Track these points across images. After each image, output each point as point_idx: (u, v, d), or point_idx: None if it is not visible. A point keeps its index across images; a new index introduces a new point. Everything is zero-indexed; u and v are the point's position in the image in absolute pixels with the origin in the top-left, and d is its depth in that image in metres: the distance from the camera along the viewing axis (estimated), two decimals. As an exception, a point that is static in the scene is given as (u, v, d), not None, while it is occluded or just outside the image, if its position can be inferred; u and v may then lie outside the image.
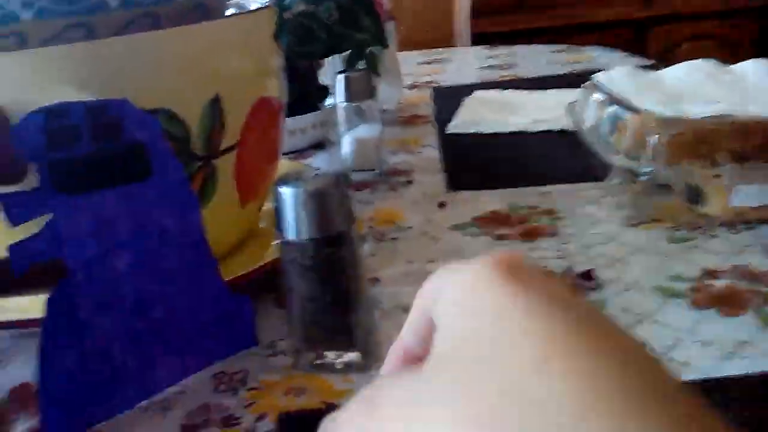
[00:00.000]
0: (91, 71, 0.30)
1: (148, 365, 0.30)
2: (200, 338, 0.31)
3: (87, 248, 0.28)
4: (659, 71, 0.52)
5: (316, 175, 0.29)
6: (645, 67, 0.57)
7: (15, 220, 0.26)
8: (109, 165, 0.29)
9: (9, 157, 0.29)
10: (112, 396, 0.29)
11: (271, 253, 0.39)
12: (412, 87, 0.93)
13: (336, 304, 0.29)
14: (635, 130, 0.42)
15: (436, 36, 1.60)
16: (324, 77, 0.69)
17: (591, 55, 1.02)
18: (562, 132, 0.62)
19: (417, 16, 1.55)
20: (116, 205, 0.29)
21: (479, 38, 1.69)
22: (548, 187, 0.50)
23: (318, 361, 0.30)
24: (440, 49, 1.28)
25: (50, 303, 0.27)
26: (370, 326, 0.31)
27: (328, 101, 0.68)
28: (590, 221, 0.44)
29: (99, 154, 0.28)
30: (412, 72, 1.02)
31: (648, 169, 0.42)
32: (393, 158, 0.61)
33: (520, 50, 1.14)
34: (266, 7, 0.38)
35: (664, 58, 2.05)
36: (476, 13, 1.64)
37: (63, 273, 0.27)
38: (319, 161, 0.63)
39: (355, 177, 0.56)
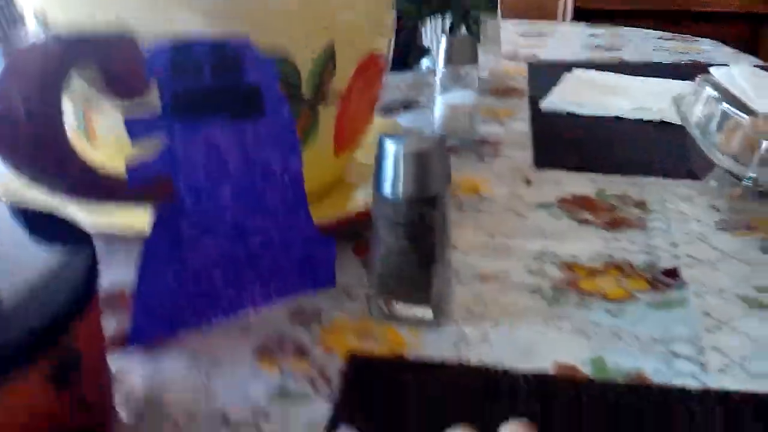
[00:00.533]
0: (218, 3, 0.31)
1: (237, 288, 0.32)
2: (286, 271, 0.33)
3: (197, 174, 0.30)
4: (781, 74, 0.49)
5: (419, 135, 0.29)
6: (764, 68, 0.54)
7: (135, 138, 0.28)
8: (226, 101, 0.30)
9: (134, 73, 0.31)
10: (200, 310, 0.31)
11: (355, 205, 0.40)
12: (510, 58, 0.91)
13: (420, 262, 0.30)
14: (746, 133, 0.40)
15: (538, 6, 1.55)
16: (424, 38, 0.69)
17: (701, 48, 0.97)
18: (663, 123, 0.60)
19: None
20: (227, 140, 0.31)
21: (582, 14, 1.63)
22: (641, 178, 0.49)
23: (391, 311, 0.31)
24: (542, 22, 1.24)
25: (157, 220, 0.29)
26: (445, 288, 0.31)
27: (424, 63, 0.68)
28: (682, 219, 0.43)
29: (217, 90, 0.30)
30: (511, 42, 1.00)
31: (752, 175, 0.40)
32: (483, 128, 0.61)
33: (626, 32, 1.09)
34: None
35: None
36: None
37: (172, 194, 0.29)
38: (405, 121, 0.64)
39: (444, 141, 0.57)
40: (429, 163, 0.29)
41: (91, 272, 0.22)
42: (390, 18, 0.40)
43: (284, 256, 0.33)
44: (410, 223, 0.29)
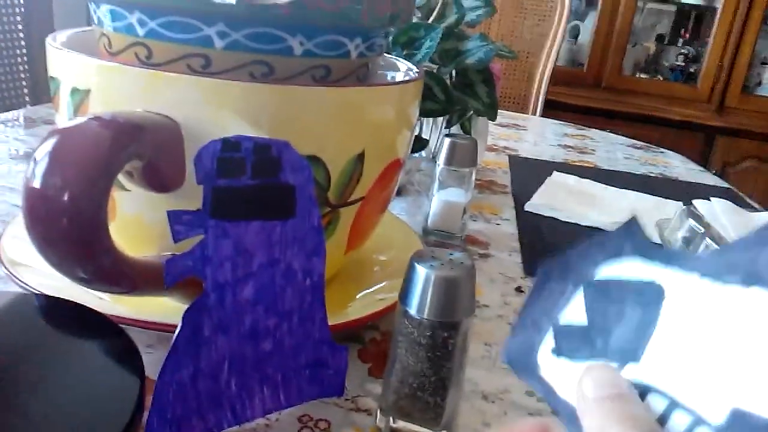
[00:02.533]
0: (263, 109, 0.32)
1: (247, 392, 0.31)
2: (297, 376, 0.33)
3: (224, 272, 0.30)
4: (757, 214, 0.53)
5: (450, 258, 0.30)
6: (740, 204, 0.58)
7: (177, 236, 0.28)
8: (262, 200, 0.30)
9: (175, 166, 0.31)
10: (211, 415, 0.30)
11: (358, 307, 0.40)
12: (490, 150, 0.94)
13: (436, 386, 0.30)
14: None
15: (513, 96, 1.62)
16: (422, 130, 0.71)
17: (668, 161, 1.03)
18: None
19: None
20: (256, 238, 0.31)
21: (551, 104, 1.71)
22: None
23: (399, 428, 0.31)
24: (516, 114, 1.30)
25: (186, 317, 0.29)
26: (456, 410, 0.32)
27: (418, 154, 0.70)
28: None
29: (255, 188, 0.30)
30: (490, 132, 1.04)
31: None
32: (471, 225, 0.62)
33: (595, 134, 1.16)
34: (418, 78, 0.40)
35: (724, 173, 2.05)
36: (553, 80, 1.66)
37: (199, 290, 0.29)
38: (397, 208, 0.65)
39: (435, 237, 0.58)
40: (457, 289, 0.30)
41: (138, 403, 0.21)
42: (414, 124, 0.42)
43: (295, 361, 0.33)
44: (432, 345, 0.30)
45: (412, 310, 0.30)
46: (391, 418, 0.32)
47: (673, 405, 0.16)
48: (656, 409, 0.16)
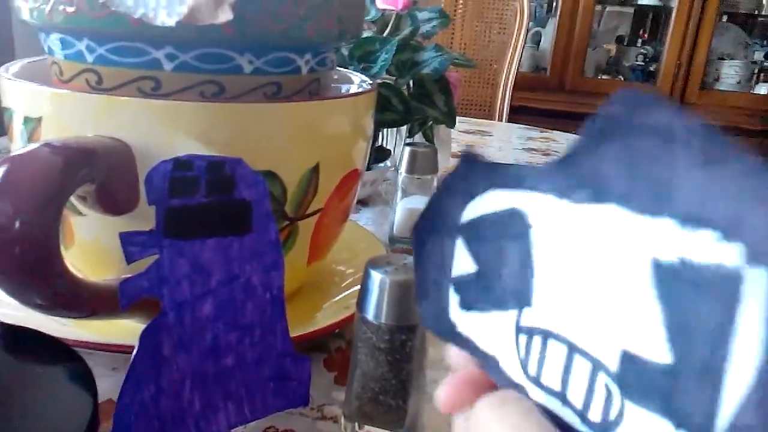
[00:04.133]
0: (216, 128, 0.33)
1: (211, 408, 0.31)
2: (260, 390, 0.33)
3: (182, 291, 0.30)
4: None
5: (405, 262, 0.31)
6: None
7: (130, 258, 0.28)
8: (217, 217, 0.31)
9: (128, 188, 0.32)
10: (175, 433, 0.30)
11: (323, 317, 0.41)
12: (455, 156, 0.96)
13: (397, 389, 0.31)
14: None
15: (479, 103, 1.64)
16: (381, 139, 0.72)
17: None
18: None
19: (463, 84, 1.60)
20: (213, 254, 0.31)
21: (517, 110, 1.74)
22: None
23: (365, 435, 0.32)
24: (482, 121, 1.32)
25: (143, 337, 0.29)
26: (419, 411, 0.32)
27: (381, 164, 0.71)
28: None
29: (210, 206, 0.31)
30: (455, 138, 1.05)
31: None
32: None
33: (560, 137, 1.18)
34: (370, 89, 0.41)
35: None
36: (517, 86, 1.69)
37: (157, 310, 0.29)
38: (364, 219, 0.66)
39: (401, 245, 0.59)
40: (412, 293, 0.30)
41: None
42: (370, 134, 0.43)
43: (258, 374, 0.33)
44: (391, 349, 0.31)
45: (370, 316, 0.30)
46: (356, 424, 0.32)
47: (572, 350, 0.15)
48: (558, 359, 0.15)
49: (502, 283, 0.17)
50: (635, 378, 0.13)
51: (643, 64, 2.33)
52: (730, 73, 2.25)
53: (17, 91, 0.35)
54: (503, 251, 0.17)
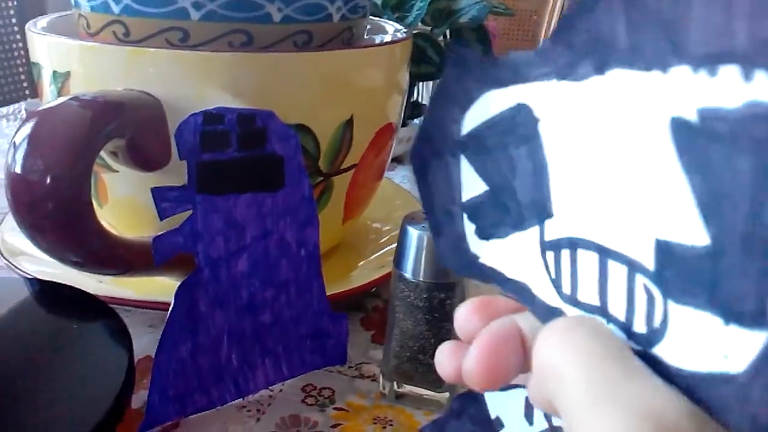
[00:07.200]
0: (246, 79, 0.31)
1: (249, 365, 0.31)
2: (297, 347, 0.33)
3: (216, 247, 0.30)
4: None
5: (443, 220, 0.30)
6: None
7: (163, 214, 0.27)
8: (249, 172, 0.30)
9: (159, 143, 0.31)
10: (213, 389, 0.30)
11: (360, 276, 0.40)
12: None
13: (437, 347, 0.30)
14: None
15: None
16: (417, 95, 0.70)
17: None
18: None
19: (501, 37, 1.55)
20: (247, 211, 0.30)
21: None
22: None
23: (405, 393, 0.31)
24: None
25: (178, 294, 0.28)
26: (459, 370, 0.32)
27: (417, 119, 0.69)
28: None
29: (242, 161, 0.30)
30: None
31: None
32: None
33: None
34: (405, 38, 0.39)
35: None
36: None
37: (193, 266, 0.29)
38: (400, 177, 0.64)
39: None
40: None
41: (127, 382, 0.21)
42: (405, 87, 0.41)
43: (295, 332, 0.32)
44: (429, 307, 0.30)
45: (408, 274, 0.29)
46: (394, 383, 0.31)
47: (604, 255, 0.13)
48: (591, 269, 0.13)
49: (517, 199, 0.15)
50: (675, 272, 0.11)
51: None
52: None
53: (45, 45, 0.34)
54: (512, 160, 0.15)
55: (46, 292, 0.26)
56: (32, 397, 0.19)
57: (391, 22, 0.45)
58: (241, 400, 0.31)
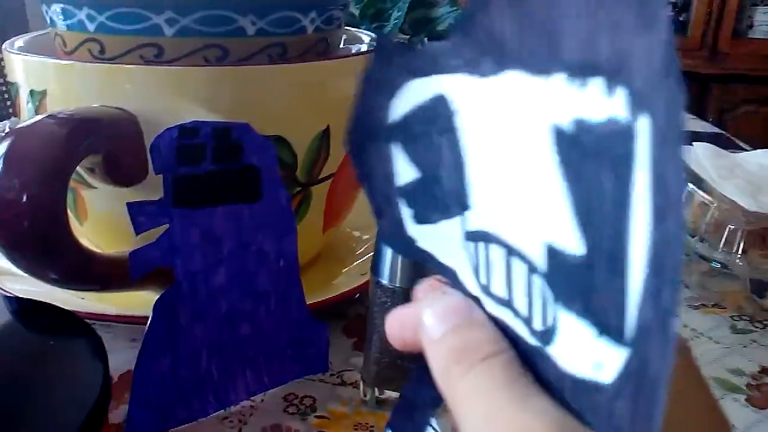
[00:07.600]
0: (222, 93, 0.32)
1: (229, 377, 0.31)
2: (278, 357, 0.33)
3: (194, 260, 0.30)
4: (740, 154, 0.53)
5: (418, 226, 0.30)
6: (722, 146, 0.57)
7: (140, 228, 0.28)
8: (226, 184, 0.30)
9: (136, 159, 0.31)
10: (194, 401, 0.30)
11: (341, 283, 0.40)
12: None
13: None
14: (714, 216, 0.43)
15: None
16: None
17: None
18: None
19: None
20: (224, 223, 0.31)
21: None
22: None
23: (385, 398, 0.32)
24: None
25: (156, 307, 0.29)
26: (439, 374, 0.32)
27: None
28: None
29: (218, 173, 0.30)
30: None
31: (719, 257, 0.43)
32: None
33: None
34: (381, 46, 0.39)
35: (722, 120, 2.03)
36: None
37: (171, 280, 0.29)
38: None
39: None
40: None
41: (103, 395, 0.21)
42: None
43: (275, 342, 0.33)
44: (408, 313, 0.30)
45: (384, 280, 0.30)
46: (375, 389, 0.32)
47: (509, 252, 0.13)
48: (499, 264, 0.14)
49: (443, 187, 0.15)
50: (561, 277, 0.12)
51: (672, 13, 2.24)
52: (764, 20, 2.15)
53: (21, 64, 0.34)
54: (437, 149, 0.15)
55: (23, 310, 0.26)
56: (8, 413, 0.19)
57: (366, 32, 0.46)
58: (222, 411, 0.31)
